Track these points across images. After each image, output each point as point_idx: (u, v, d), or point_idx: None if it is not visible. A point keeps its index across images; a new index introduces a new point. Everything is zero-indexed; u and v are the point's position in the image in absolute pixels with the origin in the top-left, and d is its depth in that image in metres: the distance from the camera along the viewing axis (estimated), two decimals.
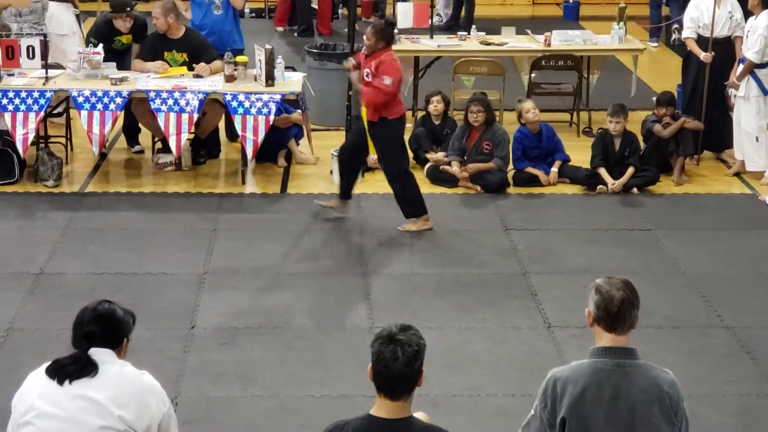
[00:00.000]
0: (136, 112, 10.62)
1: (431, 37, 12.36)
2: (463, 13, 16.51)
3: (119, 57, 10.77)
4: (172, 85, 10.08)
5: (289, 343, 7.39)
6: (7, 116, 9.95)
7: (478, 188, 10.24)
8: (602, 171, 10.30)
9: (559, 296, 8.12)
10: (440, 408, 6.52)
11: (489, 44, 12.20)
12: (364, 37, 9.04)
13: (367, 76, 8.99)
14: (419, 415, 4.14)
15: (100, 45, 10.50)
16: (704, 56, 10.85)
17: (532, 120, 10.46)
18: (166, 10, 10.48)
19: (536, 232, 9.33)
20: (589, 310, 4.24)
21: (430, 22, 12.53)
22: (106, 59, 10.40)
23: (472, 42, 12.29)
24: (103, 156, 10.84)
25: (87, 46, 10.62)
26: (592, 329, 4.27)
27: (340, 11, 17.35)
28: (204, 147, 10.93)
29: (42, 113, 10.04)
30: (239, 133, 10.11)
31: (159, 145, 10.76)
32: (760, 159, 10.63)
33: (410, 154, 10.86)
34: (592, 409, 4.15)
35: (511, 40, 12.36)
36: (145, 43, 10.80)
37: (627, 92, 12.18)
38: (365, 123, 9.09)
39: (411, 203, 9.24)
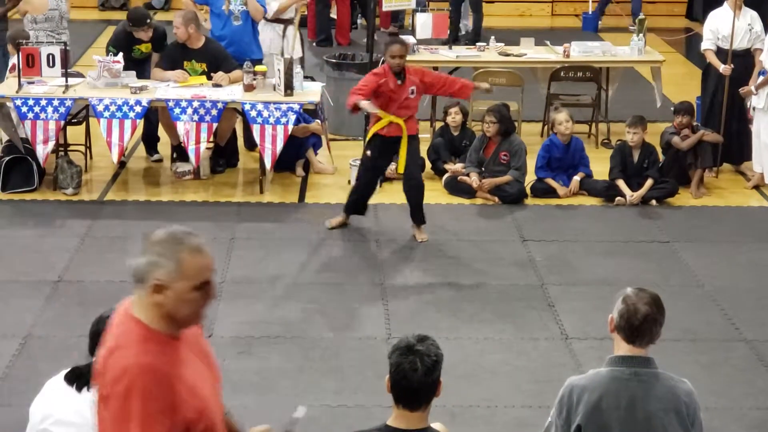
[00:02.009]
0: (161, 120, 10.67)
1: (450, 48, 12.38)
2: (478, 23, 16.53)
3: (138, 66, 10.81)
4: (192, 95, 10.11)
5: (306, 352, 7.40)
6: (27, 124, 10.00)
7: (496, 199, 10.23)
8: (621, 182, 10.29)
9: (577, 308, 8.10)
10: (457, 419, 6.52)
11: (508, 55, 12.21)
12: (398, 55, 9.02)
13: (411, 93, 9.14)
14: (436, 425, 4.14)
15: (120, 54, 10.54)
16: (723, 69, 10.82)
17: (564, 132, 10.46)
18: (186, 20, 10.51)
19: (554, 244, 9.32)
20: (612, 317, 4.25)
21: (448, 33, 12.54)
22: (125, 68, 10.44)
23: (490, 53, 12.30)
24: (122, 164, 10.87)
25: (107, 54, 10.67)
26: (612, 335, 4.27)
27: (358, 21, 17.38)
28: (222, 156, 10.96)
29: (62, 122, 10.09)
30: (258, 142, 10.14)
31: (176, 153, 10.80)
32: None
33: (428, 165, 10.90)
34: (609, 418, 4.15)
35: (529, 51, 12.36)
36: (165, 52, 10.83)
37: (646, 103, 12.15)
38: (406, 138, 9.15)
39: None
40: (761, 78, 10.54)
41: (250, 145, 11.19)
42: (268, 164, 10.15)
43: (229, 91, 10.27)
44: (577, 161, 10.55)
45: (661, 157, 10.61)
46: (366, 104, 8.84)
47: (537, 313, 8.03)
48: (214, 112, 10.02)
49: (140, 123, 10.38)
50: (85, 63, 13.68)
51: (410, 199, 9.32)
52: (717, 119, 10.98)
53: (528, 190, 10.35)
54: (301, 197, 10.34)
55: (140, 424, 3.34)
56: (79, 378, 4.27)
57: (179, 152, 10.59)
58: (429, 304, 8.18)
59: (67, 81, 10.23)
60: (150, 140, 11.23)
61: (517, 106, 11.78)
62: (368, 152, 9.30)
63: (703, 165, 10.58)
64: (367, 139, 9.34)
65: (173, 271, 3.46)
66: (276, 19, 11.56)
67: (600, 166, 10.60)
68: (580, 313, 7.99)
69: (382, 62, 11.70)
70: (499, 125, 10.31)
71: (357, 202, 9.47)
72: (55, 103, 10.01)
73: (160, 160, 11.15)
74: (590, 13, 18.06)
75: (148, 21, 10.84)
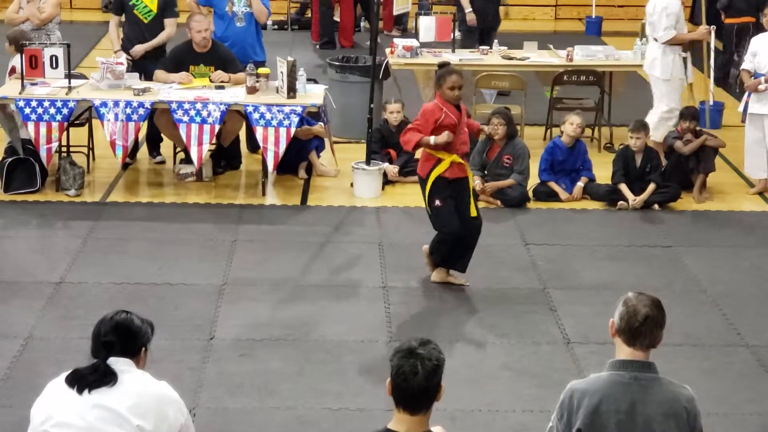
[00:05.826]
0: (158, 123, 10.64)
1: (453, 51, 12.37)
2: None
3: (147, 31, 10.72)
4: (195, 97, 10.11)
5: (307, 355, 7.39)
6: (30, 126, 10.00)
7: (499, 202, 10.23)
8: (623, 187, 10.28)
9: (579, 312, 8.09)
10: (458, 423, 6.51)
11: (511, 59, 12.21)
12: (457, 87, 7.97)
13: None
14: (437, 429, 4.13)
15: (124, 56, 10.51)
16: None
17: (571, 134, 10.45)
18: (209, 24, 10.51)
19: (556, 248, 9.31)
20: (613, 320, 4.26)
21: (452, 36, 12.55)
22: (131, 34, 10.33)
23: (494, 56, 12.30)
24: (124, 166, 10.86)
25: (103, 10, 10.51)
26: (613, 339, 4.28)
27: (362, 24, 17.39)
28: (224, 158, 10.95)
29: (65, 123, 10.09)
30: (260, 144, 10.13)
31: (181, 155, 10.78)
32: None
33: None
34: (609, 422, 4.15)
35: (533, 55, 12.37)
36: (172, 54, 10.77)
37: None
38: (472, 180, 8.39)
39: None
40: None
41: (253, 147, 11.19)
42: (270, 167, 10.15)
43: (232, 93, 10.27)
44: (580, 164, 10.55)
45: (663, 161, 10.60)
46: (438, 138, 7.89)
47: (539, 317, 8.03)
48: (216, 114, 10.02)
49: (143, 125, 10.37)
50: (88, 65, 13.69)
51: (470, 242, 8.35)
52: None
53: (530, 194, 10.35)
54: (304, 200, 10.34)
55: None
56: (80, 380, 4.26)
57: (187, 153, 10.56)
58: (431, 307, 8.18)
59: (70, 82, 10.24)
60: (153, 142, 11.22)
61: (520, 110, 11.77)
62: (437, 202, 8.12)
63: (705, 170, 10.57)
64: (428, 188, 8.12)
65: None
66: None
67: (602, 170, 10.59)
68: (582, 318, 7.98)
69: (386, 64, 11.74)
70: (506, 127, 10.31)
71: (455, 250, 8.37)
72: (58, 104, 10.01)
73: (162, 162, 11.14)
74: (593, 17, 18.06)
75: None
